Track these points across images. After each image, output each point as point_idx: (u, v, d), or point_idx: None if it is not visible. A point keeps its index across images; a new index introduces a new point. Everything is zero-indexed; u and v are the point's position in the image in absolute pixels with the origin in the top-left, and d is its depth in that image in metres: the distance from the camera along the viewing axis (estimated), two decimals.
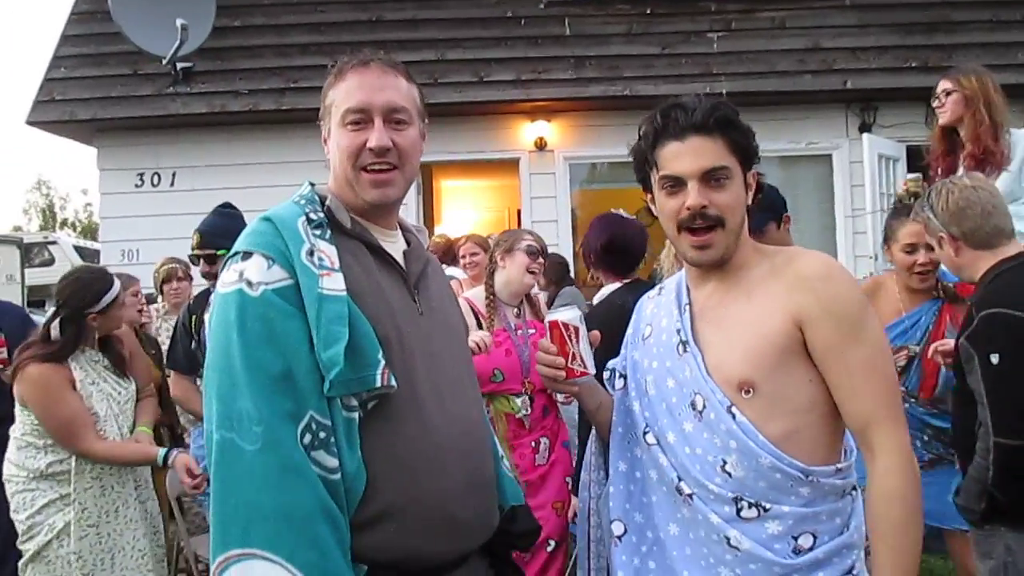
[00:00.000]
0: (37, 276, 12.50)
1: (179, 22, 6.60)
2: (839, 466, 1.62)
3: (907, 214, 3.00)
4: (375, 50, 1.67)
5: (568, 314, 1.74)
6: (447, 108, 6.81)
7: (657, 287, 1.97)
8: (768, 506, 1.57)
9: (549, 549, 3.31)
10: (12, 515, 3.09)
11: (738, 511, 1.59)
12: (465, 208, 10.59)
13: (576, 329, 1.72)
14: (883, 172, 7.07)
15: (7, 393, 3.16)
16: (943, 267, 2.89)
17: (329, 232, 1.55)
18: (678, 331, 1.72)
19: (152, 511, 3.35)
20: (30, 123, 7.16)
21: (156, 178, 7.33)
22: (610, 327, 2.89)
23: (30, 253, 13.00)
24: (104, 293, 3.18)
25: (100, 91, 7.15)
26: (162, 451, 3.19)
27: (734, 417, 1.59)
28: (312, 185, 1.67)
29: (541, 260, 3.62)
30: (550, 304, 5.75)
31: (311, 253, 1.49)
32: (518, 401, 3.37)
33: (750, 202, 1.71)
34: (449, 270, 5.00)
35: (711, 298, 1.72)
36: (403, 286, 1.64)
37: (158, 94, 7.12)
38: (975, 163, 3.48)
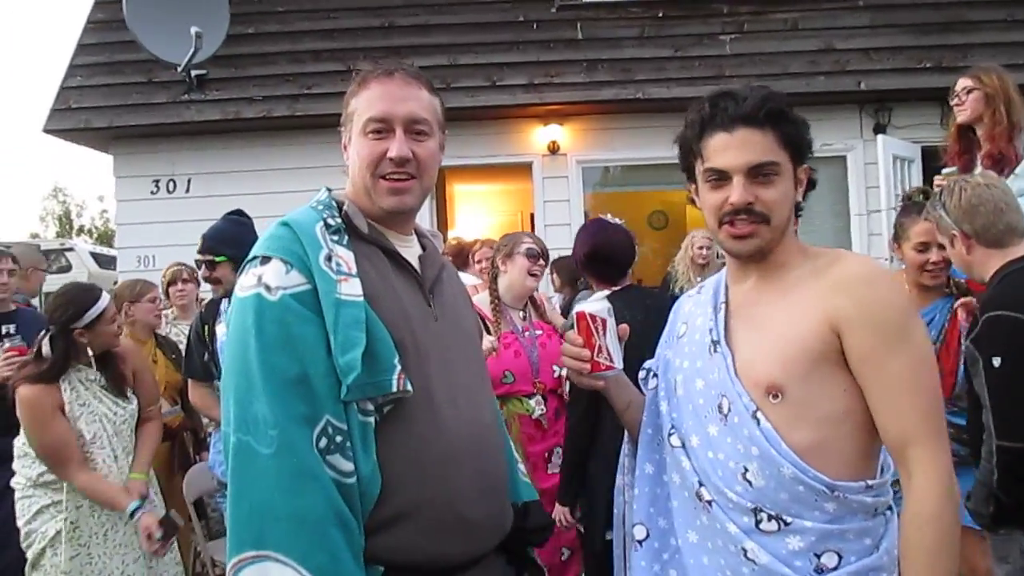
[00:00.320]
0: (54, 283, 12.54)
1: (193, 30, 6.64)
2: (871, 482, 1.51)
3: (918, 212, 2.98)
4: (396, 59, 1.69)
5: (596, 305, 1.68)
6: (460, 113, 6.81)
7: (699, 286, 1.89)
8: (789, 520, 1.49)
9: (563, 558, 3.31)
10: (17, 522, 3.15)
11: (757, 522, 1.51)
12: (478, 212, 10.60)
13: (604, 321, 1.66)
14: (898, 173, 7.03)
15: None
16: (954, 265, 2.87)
17: (347, 237, 1.57)
18: (710, 330, 1.66)
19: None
20: (47, 131, 7.22)
21: (171, 185, 7.38)
22: None
23: (47, 260, 13.07)
24: (88, 308, 3.11)
25: (116, 99, 7.22)
26: (132, 504, 3.09)
27: (758, 423, 1.51)
28: (329, 191, 1.69)
29: (542, 262, 3.63)
30: (565, 308, 5.75)
31: (329, 258, 1.50)
32: (531, 402, 3.38)
33: (800, 198, 1.64)
34: (462, 276, 5.01)
35: (748, 296, 1.66)
36: (418, 291, 1.65)
37: (173, 101, 7.18)
38: (992, 163, 3.46)
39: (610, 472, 2.83)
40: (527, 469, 2.25)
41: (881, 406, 1.48)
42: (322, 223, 1.56)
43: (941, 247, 2.82)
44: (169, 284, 5.03)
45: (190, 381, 3.91)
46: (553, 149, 7.47)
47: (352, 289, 1.48)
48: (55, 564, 3.04)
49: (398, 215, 1.67)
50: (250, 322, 1.46)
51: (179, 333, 4.76)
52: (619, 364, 1.69)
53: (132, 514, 3.08)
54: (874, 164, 7.04)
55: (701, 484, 1.60)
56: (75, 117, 7.17)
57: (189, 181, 7.36)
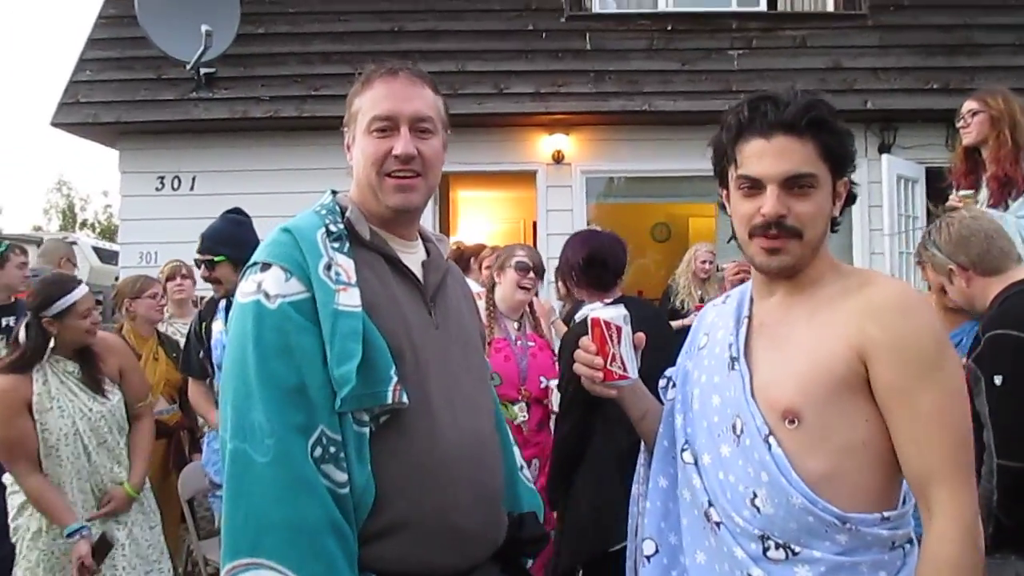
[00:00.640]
0: None
1: (204, 28, 6.67)
2: (888, 514, 1.43)
3: None
4: (401, 60, 1.69)
5: (610, 312, 1.62)
6: (466, 119, 6.84)
7: (724, 295, 1.81)
8: (798, 549, 1.42)
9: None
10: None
11: (764, 550, 1.45)
12: (481, 219, 10.62)
13: (618, 329, 1.60)
14: (902, 193, 7.04)
15: None
16: None
17: (348, 244, 1.56)
18: (730, 345, 1.58)
19: (141, 538, 3.28)
20: (54, 125, 7.24)
21: (177, 182, 7.39)
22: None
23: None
24: (57, 299, 3.06)
25: (124, 95, 7.23)
26: (72, 527, 2.99)
27: (770, 447, 1.44)
28: (334, 193, 1.69)
29: (532, 276, 3.63)
30: (568, 317, 5.75)
31: (328, 267, 1.50)
32: (515, 408, 3.40)
33: (837, 213, 1.54)
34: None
35: (772, 313, 1.57)
36: (419, 299, 1.65)
37: (181, 99, 7.19)
38: (998, 185, 3.47)
39: (597, 487, 2.83)
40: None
41: (905, 441, 1.40)
42: (323, 229, 1.56)
43: (942, 291, 2.82)
44: (167, 280, 5.03)
45: (189, 378, 3.92)
46: (558, 158, 7.48)
47: (350, 299, 1.48)
48: (31, 560, 3.06)
49: (404, 213, 1.66)
50: (249, 329, 1.46)
51: (176, 332, 4.76)
52: (634, 374, 1.64)
53: (70, 535, 2.99)
54: (878, 183, 7.04)
55: (711, 504, 1.54)
56: (83, 111, 7.19)
57: (194, 179, 7.37)
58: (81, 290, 3.16)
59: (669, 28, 7.56)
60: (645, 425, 1.78)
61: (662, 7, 7.89)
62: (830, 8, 7.96)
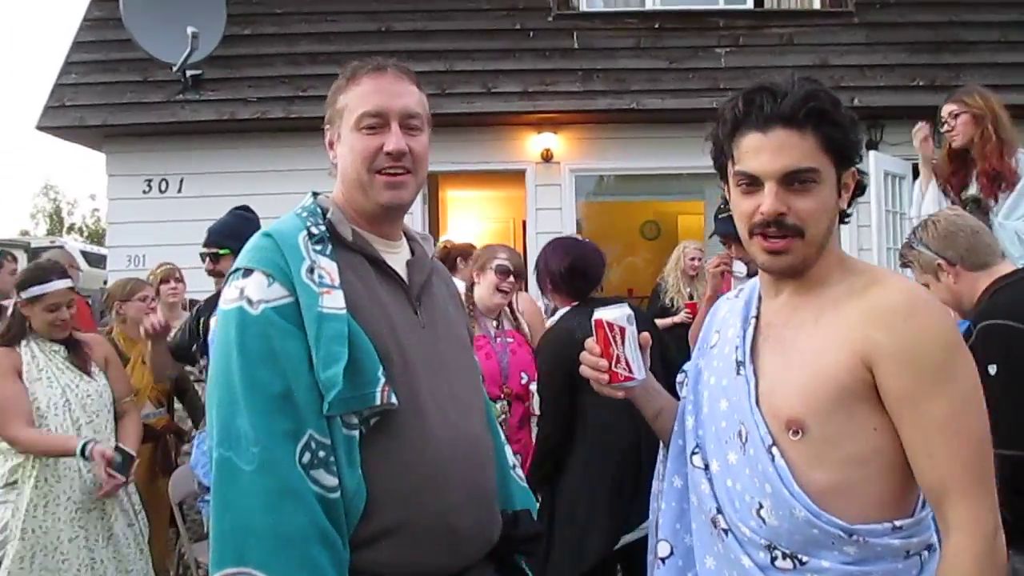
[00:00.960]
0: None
1: (190, 30, 6.63)
2: (900, 523, 1.37)
3: None
4: (385, 57, 1.67)
5: (614, 313, 1.58)
6: (455, 119, 6.83)
7: (737, 289, 1.75)
8: (805, 559, 1.38)
9: None
10: None
11: (772, 559, 1.40)
12: (471, 218, 10.61)
13: (622, 330, 1.57)
14: (889, 189, 7.07)
15: None
16: None
17: (330, 246, 1.55)
18: (737, 348, 1.52)
19: (121, 535, 3.28)
20: (40, 128, 7.19)
21: (164, 184, 7.35)
22: (559, 353, 2.88)
23: (37, 257, 13.03)
24: (32, 284, 3.20)
25: (110, 97, 7.19)
26: (81, 442, 3.07)
27: (772, 459, 1.39)
28: (315, 195, 1.67)
29: (511, 280, 3.63)
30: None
31: (311, 270, 1.49)
32: (496, 406, 3.40)
33: (845, 206, 1.47)
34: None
35: (779, 314, 1.51)
36: (405, 299, 1.63)
37: (168, 101, 7.16)
38: (988, 180, 3.49)
39: (586, 499, 2.83)
40: None
41: (917, 452, 1.33)
42: (305, 232, 1.54)
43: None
44: (161, 282, 5.01)
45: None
46: (547, 157, 7.48)
47: (334, 302, 1.47)
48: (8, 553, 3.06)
49: (393, 210, 1.65)
50: (233, 336, 1.45)
51: None
52: (640, 374, 1.60)
53: (83, 451, 3.06)
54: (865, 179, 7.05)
55: (719, 511, 1.50)
56: (69, 115, 7.14)
57: (182, 181, 7.33)
58: (55, 285, 3.23)
59: (656, 26, 7.56)
60: (660, 423, 1.74)
61: (649, 5, 7.90)
62: (817, 6, 7.98)
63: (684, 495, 1.63)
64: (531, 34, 7.53)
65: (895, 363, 1.33)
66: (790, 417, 1.39)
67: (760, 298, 1.59)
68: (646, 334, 1.63)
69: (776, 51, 7.42)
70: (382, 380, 1.46)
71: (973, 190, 3.56)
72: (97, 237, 26.66)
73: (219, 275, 3.63)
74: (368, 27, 7.51)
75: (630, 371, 1.58)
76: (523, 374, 3.50)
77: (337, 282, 1.50)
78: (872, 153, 7.10)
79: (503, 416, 3.42)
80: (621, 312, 1.59)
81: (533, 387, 3.50)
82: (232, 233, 3.60)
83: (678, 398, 1.77)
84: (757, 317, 1.56)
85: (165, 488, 3.98)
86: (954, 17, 7.52)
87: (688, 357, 1.82)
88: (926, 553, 1.42)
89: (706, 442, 1.57)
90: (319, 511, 1.40)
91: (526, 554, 1.80)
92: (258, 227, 3.65)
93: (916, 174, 7.04)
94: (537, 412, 4.09)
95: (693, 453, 1.59)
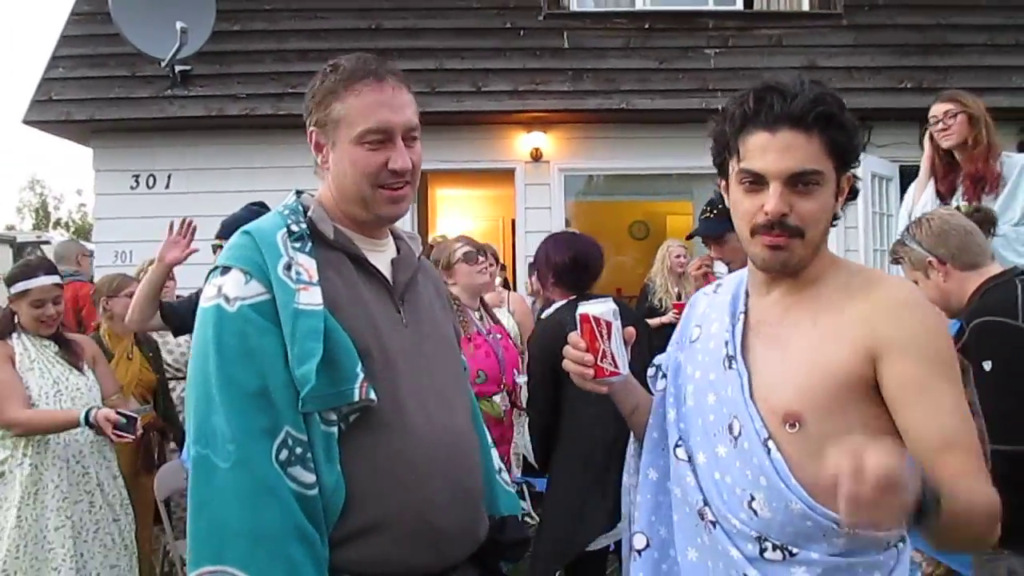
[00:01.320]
0: None
1: (179, 25, 6.60)
2: None
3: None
4: (370, 56, 1.62)
5: (600, 308, 1.57)
6: (444, 117, 6.83)
7: (715, 284, 1.77)
8: (795, 551, 1.39)
9: None
10: None
11: (761, 551, 1.42)
12: (460, 217, 10.61)
13: (608, 324, 1.56)
14: (876, 191, 7.11)
15: None
16: None
17: (310, 244, 1.54)
18: (726, 343, 1.53)
19: (104, 531, 3.28)
20: (27, 122, 7.15)
21: (151, 180, 7.32)
22: (548, 345, 2.91)
23: (23, 252, 12.94)
24: (19, 280, 3.26)
25: (98, 92, 7.15)
26: (82, 412, 3.12)
27: (768, 452, 1.40)
28: (299, 194, 1.65)
29: (481, 258, 3.65)
30: (539, 316, 5.76)
31: (288, 267, 1.48)
32: (496, 399, 3.42)
33: (839, 210, 1.49)
34: None
35: (771, 311, 1.52)
36: (387, 298, 1.62)
37: (156, 96, 7.12)
38: (972, 183, 3.51)
39: (566, 490, 2.86)
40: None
41: (919, 416, 1.34)
42: (284, 230, 1.53)
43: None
44: None
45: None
46: (536, 156, 7.49)
47: (311, 298, 1.46)
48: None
49: (392, 221, 1.66)
50: (210, 334, 1.45)
51: (152, 333, 4.71)
52: (625, 369, 1.59)
53: (87, 419, 3.09)
54: None
55: (705, 503, 1.50)
56: (56, 109, 7.10)
57: (169, 177, 7.30)
58: (40, 280, 3.27)
59: (646, 27, 7.58)
60: (636, 418, 1.75)
61: (639, 6, 7.92)
62: (806, 7, 8.02)
63: (660, 487, 1.65)
64: (521, 33, 7.53)
65: (905, 353, 1.34)
66: (788, 411, 1.40)
67: (747, 295, 1.59)
68: (631, 329, 1.62)
69: (765, 52, 7.45)
70: (361, 376, 1.46)
71: (958, 193, 3.57)
72: (83, 232, 26.52)
73: None
74: (358, 24, 7.50)
75: (616, 366, 1.57)
76: (515, 371, 3.53)
77: (315, 279, 1.49)
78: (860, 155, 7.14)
79: (505, 407, 3.45)
80: (607, 307, 1.58)
81: (520, 380, 3.52)
82: (243, 225, 3.58)
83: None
84: (745, 313, 1.56)
85: (150, 485, 3.96)
86: (942, 20, 7.57)
87: None
88: (901, 544, 1.46)
89: (690, 435, 1.58)
90: (296, 508, 1.39)
91: (511, 560, 1.79)
92: None
93: (903, 176, 7.13)
94: (523, 404, 4.12)
95: (676, 446, 1.59)
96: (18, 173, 60.36)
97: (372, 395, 1.46)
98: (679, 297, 5.88)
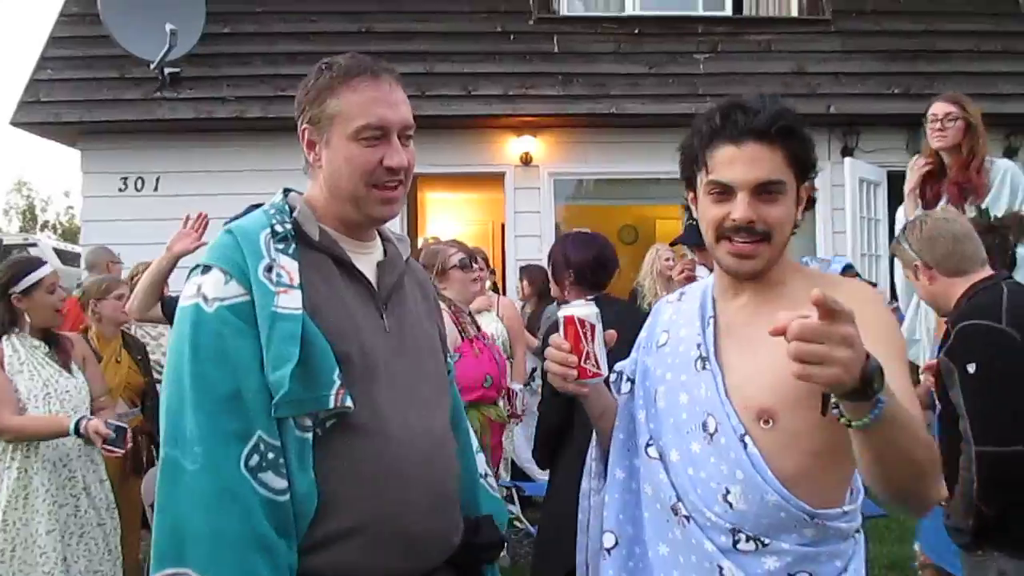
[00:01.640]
0: None
1: (168, 27, 6.59)
2: (845, 508, 1.52)
3: None
4: (366, 55, 1.61)
5: (584, 309, 1.61)
6: (434, 121, 6.83)
7: (678, 292, 1.84)
8: (767, 541, 1.48)
9: None
10: None
11: (735, 542, 1.49)
12: (449, 221, 10.60)
13: (592, 327, 1.59)
14: (864, 196, 7.15)
15: None
16: None
17: (294, 246, 1.52)
18: (698, 345, 1.60)
19: (88, 536, 3.26)
20: (14, 124, 7.12)
21: (140, 182, 7.29)
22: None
23: (9, 254, 12.90)
24: (26, 274, 3.23)
25: (87, 94, 7.13)
26: (73, 420, 3.09)
27: (745, 447, 1.48)
28: (286, 193, 1.63)
29: (475, 266, 3.65)
30: (530, 321, 5.76)
31: (269, 269, 1.46)
32: (500, 404, 3.43)
33: (799, 217, 1.59)
34: None
35: (739, 315, 1.60)
36: (371, 302, 1.60)
37: (145, 98, 7.10)
38: (958, 191, 3.51)
39: (566, 497, 2.86)
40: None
41: None
42: (268, 230, 1.51)
43: None
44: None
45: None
46: (526, 160, 7.50)
47: (291, 302, 1.44)
48: None
49: (382, 223, 1.64)
50: (187, 333, 1.43)
51: (145, 335, 4.69)
52: (606, 371, 1.63)
53: (76, 429, 3.07)
54: (841, 187, 7.13)
55: (679, 499, 1.56)
56: (44, 111, 7.08)
57: (158, 179, 7.28)
58: (47, 268, 3.32)
59: (636, 31, 7.61)
60: (603, 422, 1.79)
61: (629, 11, 7.95)
62: (794, 13, 8.07)
63: (626, 486, 1.70)
64: (511, 37, 7.54)
65: (865, 340, 1.35)
66: (762, 407, 1.48)
67: (714, 300, 1.67)
68: (612, 332, 1.67)
69: (754, 57, 7.49)
70: (337, 383, 1.44)
71: (943, 200, 3.57)
72: (71, 235, 26.36)
73: None
74: (348, 27, 7.49)
75: (598, 367, 1.61)
76: (509, 378, 3.56)
77: (296, 282, 1.47)
78: (847, 160, 7.18)
79: (505, 412, 3.46)
80: (590, 309, 1.62)
81: (516, 387, 3.52)
82: None
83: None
84: (714, 317, 1.64)
85: (138, 488, 3.94)
86: (929, 26, 7.63)
87: None
88: (859, 535, 1.57)
89: (661, 434, 1.63)
90: (260, 516, 1.38)
91: (488, 562, 1.77)
92: None
93: (891, 181, 7.18)
94: (520, 412, 4.12)
95: (648, 445, 1.65)
96: (5, 175, 60.11)
97: (348, 402, 1.44)
98: None
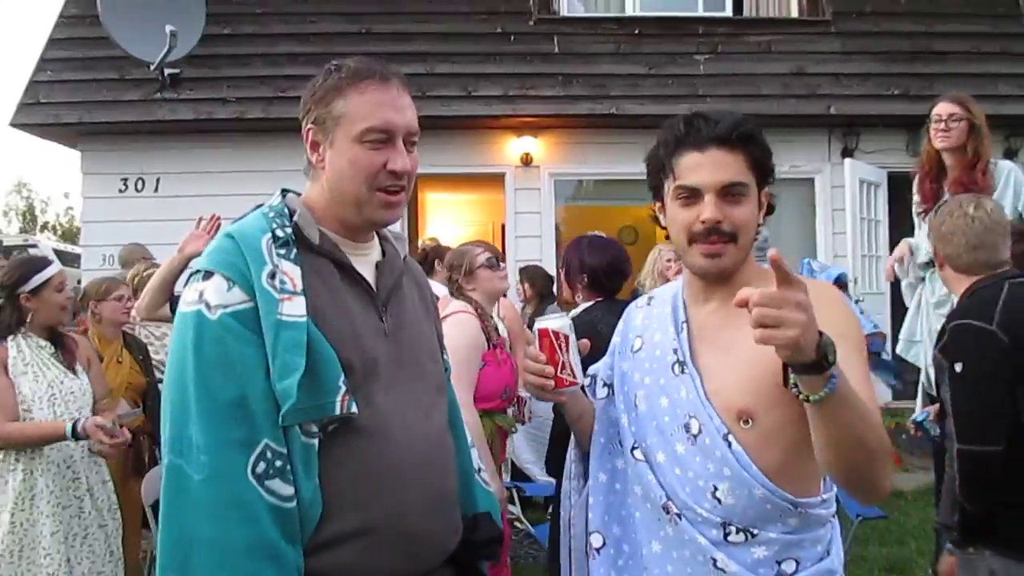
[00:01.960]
0: None
1: (168, 28, 6.59)
2: (824, 497, 1.61)
3: None
4: (375, 59, 1.61)
5: (558, 322, 1.70)
6: (435, 121, 6.81)
7: (647, 296, 1.90)
8: (756, 532, 1.56)
9: None
10: None
11: (726, 535, 1.57)
12: (450, 221, 10.60)
13: (567, 338, 1.68)
14: (864, 197, 7.15)
15: None
16: None
17: (295, 250, 1.51)
18: (675, 350, 1.67)
19: (91, 536, 3.27)
20: (14, 125, 7.12)
21: (140, 183, 7.30)
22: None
23: (9, 256, 12.91)
24: (34, 273, 3.23)
25: (86, 95, 7.13)
26: (69, 424, 3.08)
27: (729, 446, 1.56)
28: (284, 195, 1.62)
29: (503, 265, 3.65)
30: (530, 322, 5.75)
31: (273, 275, 1.45)
32: (509, 412, 3.42)
33: (760, 221, 1.67)
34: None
35: (711, 318, 1.67)
36: (370, 305, 1.60)
37: (145, 99, 7.11)
38: (961, 191, 3.50)
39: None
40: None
41: None
42: (269, 235, 1.49)
43: None
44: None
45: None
46: (526, 161, 7.50)
47: (295, 309, 1.43)
48: None
49: (383, 227, 1.64)
50: (189, 341, 1.42)
51: (148, 335, 4.69)
52: (581, 379, 1.71)
53: (74, 432, 3.07)
54: (841, 187, 7.15)
55: (669, 498, 1.62)
56: (44, 112, 7.08)
57: (158, 181, 7.28)
58: (56, 266, 3.32)
59: (636, 32, 7.62)
60: (581, 424, 1.85)
61: (629, 11, 7.96)
62: (794, 14, 8.08)
63: (609, 488, 1.77)
64: (512, 38, 7.55)
65: (832, 336, 1.42)
66: (741, 408, 1.56)
67: (685, 305, 1.74)
68: (585, 341, 1.74)
69: (754, 58, 7.50)
70: (343, 389, 1.44)
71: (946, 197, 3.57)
72: (71, 236, 26.38)
73: None
74: (348, 28, 7.50)
75: (574, 376, 1.69)
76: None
77: (299, 288, 1.46)
78: (848, 161, 7.19)
79: (516, 417, 3.45)
80: (564, 321, 1.71)
81: (524, 394, 3.50)
82: None
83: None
84: (687, 322, 1.71)
85: (139, 489, 3.94)
86: (929, 27, 7.64)
87: None
88: (833, 520, 1.66)
89: (645, 436, 1.69)
90: (268, 524, 1.37)
91: (487, 558, 1.78)
92: None
93: (891, 182, 7.18)
94: (527, 417, 4.11)
95: (633, 447, 1.71)
96: (4, 176, 60.12)
97: (353, 409, 1.44)
98: None
